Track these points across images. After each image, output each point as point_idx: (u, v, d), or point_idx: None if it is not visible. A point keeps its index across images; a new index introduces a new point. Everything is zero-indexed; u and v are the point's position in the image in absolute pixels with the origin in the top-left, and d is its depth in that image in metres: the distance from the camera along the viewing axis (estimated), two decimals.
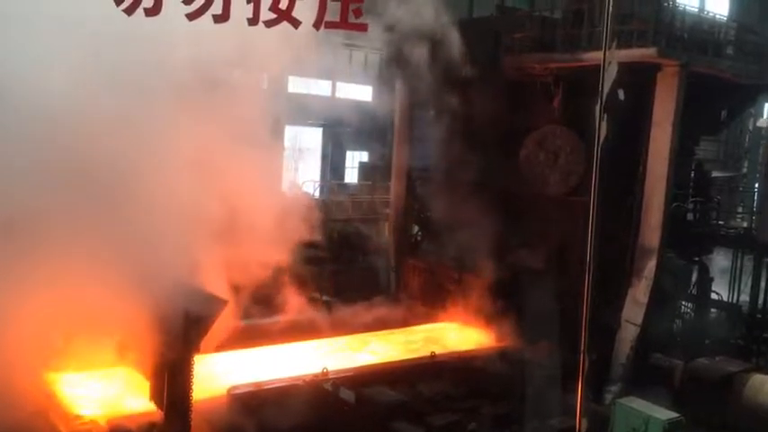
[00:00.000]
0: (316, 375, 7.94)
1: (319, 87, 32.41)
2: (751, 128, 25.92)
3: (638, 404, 7.29)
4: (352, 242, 16.85)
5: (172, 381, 6.89)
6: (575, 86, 10.47)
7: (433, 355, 9.08)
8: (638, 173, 9.78)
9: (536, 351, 9.20)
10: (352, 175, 31.59)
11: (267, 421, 7.19)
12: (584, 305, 3.95)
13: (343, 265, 16.27)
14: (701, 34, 10.14)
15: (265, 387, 7.71)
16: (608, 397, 9.01)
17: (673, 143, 9.56)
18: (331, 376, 7.95)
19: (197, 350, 6.80)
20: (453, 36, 11.81)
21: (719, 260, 13.01)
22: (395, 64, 13.36)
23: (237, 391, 7.50)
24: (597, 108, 3.75)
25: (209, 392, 7.42)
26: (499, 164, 11.12)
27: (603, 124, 3.76)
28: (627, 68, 9.63)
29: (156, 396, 7.11)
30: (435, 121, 13.39)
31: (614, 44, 4.08)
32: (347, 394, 7.61)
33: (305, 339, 9.66)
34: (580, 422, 4.09)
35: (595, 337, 9.83)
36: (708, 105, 10.93)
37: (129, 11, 4.55)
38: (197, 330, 6.77)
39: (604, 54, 3.83)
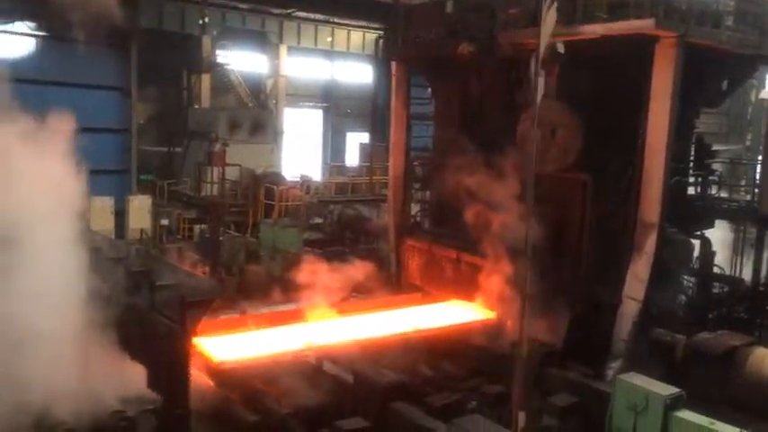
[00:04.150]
0: (300, 349, 8.20)
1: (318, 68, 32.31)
2: (753, 100, 25.73)
3: (638, 380, 7.24)
4: (352, 224, 16.85)
5: (170, 367, 6.90)
6: (572, 60, 10.33)
7: (417, 331, 9.20)
8: (637, 147, 9.66)
9: (534, 328, 9.15)
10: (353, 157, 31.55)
11: (256, 394, 7.24)
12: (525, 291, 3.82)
13: (343, 246, 16.30)
14: (699, 5, 9.96)
15: (251, 361, 7.80)
16: (609, 373, 8.97)
17: (672, 116, 9.42)
18: (315, 350, 8.25)
19: (194, 335, 6.80)
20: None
21: (722, 233, 12.91)
22: (391, 42, 13.28)
23: (225, 366, 7.54)
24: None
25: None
26: (496, 141, 11.01)
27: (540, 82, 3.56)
28: (624, 41, 9.60)
29: (154, 382, 7.13)
30: (432, 100, 13.30)
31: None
32: (340, 372, 7.68)
33: (303, 322, 9.73)
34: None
35: (596, 314, 9.89)
36: (707, 77, 10.78)
37: None
38: (193, 316, 6.77)
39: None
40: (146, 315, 7.06)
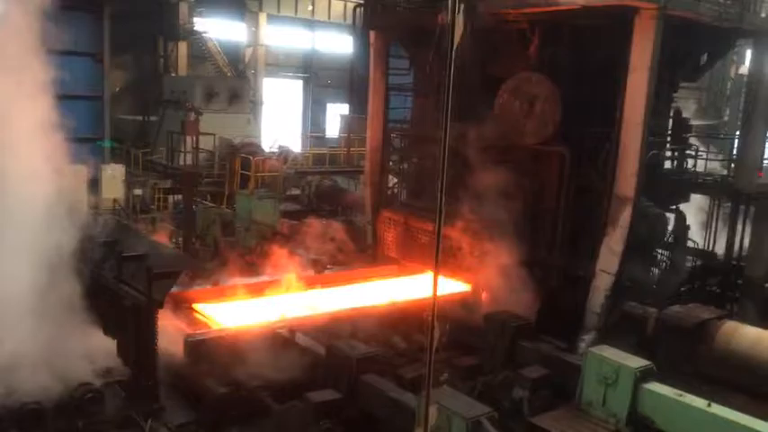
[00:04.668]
0: (273, 322, 8.14)
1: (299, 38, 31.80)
2: (733, 75, 25.84)
3: (609, 353, 7.25)
4: (329, 195, 16.73)
5: (137, 339, 6.81)
6: (551, 32, 10.21)
7: (392, 303, 9.16)
8: (614, 120, 9.61)
9: (508, 300, 9.16)
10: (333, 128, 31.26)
11: (226, 368, 7.17)
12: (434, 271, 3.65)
13: (320, 217, 16.18)
14: None
15: (220, 334, 7.72)
16: (582, 346, 9.01)
17: (650, 89, 9.35)
18: (288, 322, 8.17)
19: (161, 306, 6.69)
20: None
21: (697, 207, 12.98)
22: (369, 11, 13.03)
23: (193, 339, 7.45)
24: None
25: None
26: (474, 113, 10.89)
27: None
28: (604, 12, 9.48)
29: (123, 352, 7.04)
30: (410, 71, 13.11)
31: None
32: (313, 344, 7.63)
33: (281, 293, 9.67)
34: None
35: (570, 287, 9.91)
36: (686, 50, 10.72)
37: None
38: (160, 287, 6.66)
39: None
40: (113, 286, 6.93)
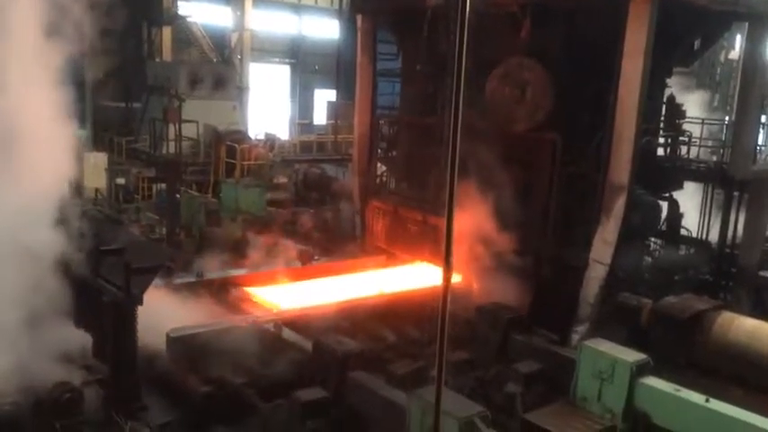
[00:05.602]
0: (258, 316, 7.85)
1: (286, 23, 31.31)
2: (723, 60, 25.65)
3: (604, 346, 7.06)
4: (317, 183, 16.44)
5: (115, 336, 6.54)
6: (543, 16, 9.95)
7: (380, 295, 8.94)
8: (608, 107, 9.37)
9: (500, 291, 8.96)
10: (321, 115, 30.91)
11: (211, 364, 6.92)
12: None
13: (308, 207, 15.92)
14: None
15: (205, 329, 7.43)
16: (575, 338, 8.82)
17: (644, 75, 9.10)
18: (273, 316, 7.89)
19: (140, 302, 6.41)
20: None
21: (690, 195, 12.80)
22: None
23: (176, 334, 7.17)
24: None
25: None
26: (464, 99, 10.62)
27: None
28: None
29: (100, 352, 6.77)
30: (398, 56, 12.83)
31: None
32: (300, 340, 7.39)
33: (268, 285, 9.42)
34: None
35: (562, 277, 9.71)
36: (680, 34, 10.48)
37: None
38: (139, 282, 6.39)
39: None
40: (90, 281, 6.64)
